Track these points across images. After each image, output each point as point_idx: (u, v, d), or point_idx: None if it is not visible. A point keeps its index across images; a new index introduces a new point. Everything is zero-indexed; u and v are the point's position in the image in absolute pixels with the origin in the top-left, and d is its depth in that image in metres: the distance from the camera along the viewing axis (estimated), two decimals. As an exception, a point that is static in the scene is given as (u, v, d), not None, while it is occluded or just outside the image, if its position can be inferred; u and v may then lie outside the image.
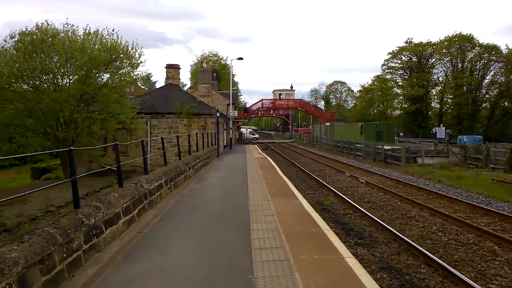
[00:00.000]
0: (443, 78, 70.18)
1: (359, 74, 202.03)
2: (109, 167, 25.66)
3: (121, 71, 23.88)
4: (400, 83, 74.99)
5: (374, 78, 77.02)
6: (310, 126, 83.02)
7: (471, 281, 7.95)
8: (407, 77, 73.22)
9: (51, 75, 23.58)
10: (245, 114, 59.10)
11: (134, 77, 25.13)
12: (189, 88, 76.71)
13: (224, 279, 5.68)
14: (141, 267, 6.25)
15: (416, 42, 70.78)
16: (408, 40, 71.97)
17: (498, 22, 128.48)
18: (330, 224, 11.72)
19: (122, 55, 23.76)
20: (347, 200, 16.67)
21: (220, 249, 6.96)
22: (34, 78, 23.30)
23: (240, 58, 41.60)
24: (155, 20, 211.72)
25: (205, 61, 57.25)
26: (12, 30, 22.65)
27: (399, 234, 11.43)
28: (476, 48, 64.57)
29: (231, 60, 43.49)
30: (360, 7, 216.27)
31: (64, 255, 5.79)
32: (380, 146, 33.44)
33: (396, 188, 20.20)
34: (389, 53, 73.86)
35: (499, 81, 63.79)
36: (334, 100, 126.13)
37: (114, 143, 9.23)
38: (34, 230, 5.60)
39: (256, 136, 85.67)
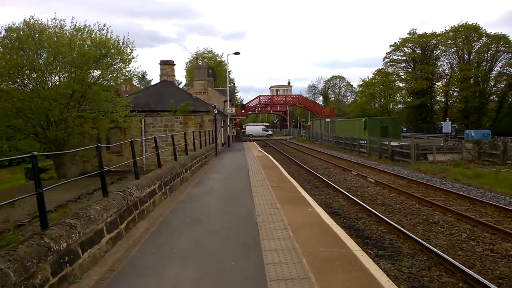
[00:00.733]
0: (448, 70, 68.64)
1: (356, 69, 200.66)
2: (107, 168, 24.24)
3: (112, 68, 22.38)
4: (403, 77, 73.43)
5: (375, 72, 75.57)
6: (309, 122, 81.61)
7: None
8: (410, 70, 71.62)
9: (39, 73, 22.11)
10: (243, 111, 57.62)
11: (127, 74, 23.61)
12: (184, 85, 75.25)
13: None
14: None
15: (420, 33, 69.12)
16: (412, 31, 70.42)
17: (505, 11, 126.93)
18: (350, 236, 10.26)
19: (113, 51, 22.31)
20: (358, 202, 15.27)
21: (226, 278, 5.52)
22: (21, 76, 21.89)
23: (237, 53, 40.07)
24: (150, 19, 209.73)
25: (200, 58, 55.68)
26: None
27: (425, 243, 10.02)
28: (483, 38, 62.91)
29: (227, 55, 41.98)
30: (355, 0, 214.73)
31: (21, 298, 4.35)
32: (387, 142, 32.00)
33: (410, 188, 18.81)
34: (391, 45, 72.43)
35: (508, 72, 62.17)
36: (332, 96, 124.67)
37: (96, 146, 7.73)
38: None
39: (270, 132, 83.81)
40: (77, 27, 22.07)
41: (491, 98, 66.24)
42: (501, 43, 62.24)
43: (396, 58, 73.40)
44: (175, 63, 36.76)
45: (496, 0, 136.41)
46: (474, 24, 63.56)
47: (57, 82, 22.04)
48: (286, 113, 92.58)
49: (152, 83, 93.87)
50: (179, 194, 12.40)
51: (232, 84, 74.88)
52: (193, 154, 17.90)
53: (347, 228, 11.85)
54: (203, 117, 28.95)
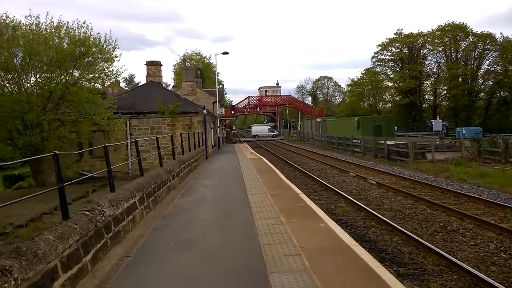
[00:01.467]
0: (436, 69, 68.08)
1: (342, 70, 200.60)
2: (89, 174, 22.63)
3: (94, 67, 20.71)
4: (391, 76, 72.65)
5: (364, 71, 74.69)
6: (299, 123, 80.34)
7: None
8: (398, 69, 70.87)
9: (14, 73, 20.42)
10: (232, 112, 56.14)
11: (110, 74, 21.94)
12: (172, 87, 73.54)
13: None
14: None
15: (407, 33, 68.44)
16: (398, 31, 69.72)
17: (491, 10, 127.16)
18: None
19: (94, 49, 20.67)
20: (364, 208, 13.97)
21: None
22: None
23: (225, 53, 38.67)
24: (138, 22, 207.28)
25: (188, 59, 54.12)
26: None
27: (451, 258, 8.73)
28: (470, 37, 62.44)
29: (216, 54, 40.34)
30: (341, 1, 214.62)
31: None
32: (382, 141, 30.82)
33: (415, 189, 17.58)
34: (378, 45, 71.61)
35: (496, 70, 61.75)
36: (321, 96, 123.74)
37: (52, 153, 6.05)
38: None
39: (276, 133, 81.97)
40: (54, 24, 20.42)
41: (480, 95, 65.78)
42: (488, 41, 61.89)
43: (384, 57, 72.73)
44: (162, 63, 35.20)
45: (478, 2, 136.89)
46: (461, 23, 63.13)
47: (32, 83, 20.29)
48: (276, 114, 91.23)
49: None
50: (165, 206, 10.81)
51: (221, 86, 73.36)
52: (182, 158, 16.42)
53: (356, 239, 10.54)
54: (192, 118, 27.44)
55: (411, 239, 10.42)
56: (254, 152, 32.27)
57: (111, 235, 6.85)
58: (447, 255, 8.95)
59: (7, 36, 19.74)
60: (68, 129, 20.68)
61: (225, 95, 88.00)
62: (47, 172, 21.74)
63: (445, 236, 10.83)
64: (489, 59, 62.30)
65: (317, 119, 60.54)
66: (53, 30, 20.17)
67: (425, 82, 68.94)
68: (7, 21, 20.39)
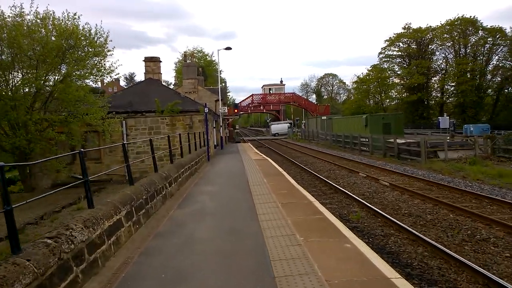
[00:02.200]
0: (444, 65, 66.46)
1: (347, 68, 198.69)
2: (81, 178, 21.33)
3: (84, 62, 19.36)
4: (398, 72, 71.06)
5: (370, 68, 73.17)
6: (304, 121, 79.01)
7: None
8: (406, 65, 69.31)
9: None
10: (236, 110, 54.82)
11: (103, 70, 20.59)
12: (174, 85, 72.34)
13: None
14: None
15: (415, 28, 66.80)
16: (407, 26, 68.05)
17: (502, 4, 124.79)
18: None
19: (84, 42, 19.33)
20: (379, 213, 12.71)
21: None
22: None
23: (228, 48, 37.41)
24: (138, 19, 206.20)
25: (190, 55, 52.84)
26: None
27: (489, 274, 7.47)
28: (480, 31, 60.82)
29: (218, 50, 39.15)
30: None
31: None
32: (392, 140, 29.49)
33: (431, 191, 16.31)
34: (386, 40, 70.00)
35: (505, 65, 60.14)
36: (325, 94, 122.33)
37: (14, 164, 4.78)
38: None
39: (294, 130, 79.49)
40: (40, 16, 18.94)
41: (488, 92, 64.25)
42: (498, 36, 60.23)
43: (391, 53, 71.11)
44: (161, 60, 33.89)
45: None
46: (470, 18, 61.49)
47: (17, 80, 18.90)
48: (280, 112, 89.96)
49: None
50: (159, 220, 9.19)
51: (223, 84, 72.10)
52: (180, 162, 15.03)
53: (377, 250, 9.27)
54: (193, 117, 26.15)
55: (437, 250, 9.16)
56: (258, 152, 30.99)
57: (83, 267, 5.34)
58: (482, 270, 7.72)
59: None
60: (57, 130, 19.39)
61: (228, 93, 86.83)
62: (38, 176, 20.60)
63: (475, 246, 9.56)
64: (499, 54, 60.78)
65: (323, 117, 59.27)
66: (38, 21, 18.75)
67: (433, 79, 67.40)
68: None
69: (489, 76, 61.96)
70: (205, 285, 5.27)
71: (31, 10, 19.36)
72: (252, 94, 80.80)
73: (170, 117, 25.66)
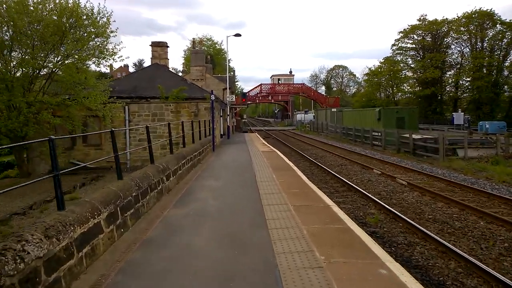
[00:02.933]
0: (459, 59, 64.44)
1: (357, 61, 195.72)
2: (81, 164, 20.27)
3: (84, 43, 18.04)
4: (412, 65, 69.10)
5: (383, 60, 71.23)
6: (312, 113, 77.45)
7: None
8: (419, 58, 67.33)
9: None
10: (243, 100, 53.45)
11: (106, 52, 19.29)
12: (181, 72, 71.04)
13: None
14: None
15: (431, 20, 64.66)
16: (422, 18, 65.86)
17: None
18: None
19: (86, 22, 18.04)
20: (400, 217, 11.42)
21: None
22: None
23: (238, 35, 35.96)
24: (149, 6, 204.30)
25: (198, 42, 51.46)
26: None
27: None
28: (498, 25, 58.63)
29: (227, 36, 37.71)
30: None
31: None
32: (407, 135, 28.04)
33: (454, 193, 14.98)
34: (400, 32, 67.92)
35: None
36: (335, 86, 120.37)
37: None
38: None
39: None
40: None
41: (504, 88, 62.17)
42: (517, 30, 58.01)
43: (405, 45, 69.08)
44: (168, 45, 32.57)
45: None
46: (488, 11, 59.31)
47: (15, 61, 17.69)
48: (288, 103, 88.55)
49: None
50: (150, 221, 7.80)
51: (232, 73, 70.65)
52: (182, 152, 13.62)
53: (402, 262, 7.98)
54: (199, 104, 24.86)
55: (473, 266, 7.90)
56: (265, 143, 29.68)
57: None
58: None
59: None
60: (57, 113, 18.20)
61: (236, 83, 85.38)
62: (36, 160, 19.49)
63: (519, 263, 8.27)
64: (517, 49, 58.60)
65: (333, 109, 57.73)
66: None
67: (448, 73, 65.40)
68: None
69: (506, 72, 59.83)
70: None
71: None
72: (261, 84, 79.32)
73: (175, 104, 24.39)
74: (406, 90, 70.91)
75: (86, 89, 18.87)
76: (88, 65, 19.63)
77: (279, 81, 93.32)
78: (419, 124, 54.41)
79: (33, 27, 16.90)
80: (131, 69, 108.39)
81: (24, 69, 17.39)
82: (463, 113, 54.86)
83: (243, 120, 69.08)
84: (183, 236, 6.79)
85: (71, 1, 18.15)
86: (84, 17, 17.93)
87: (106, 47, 18.92)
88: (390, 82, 70.60)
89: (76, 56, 18.23)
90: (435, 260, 8.51)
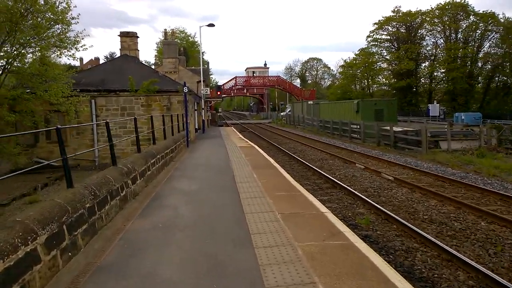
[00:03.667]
0: (433, 50, 64.53)
1: (331, 54, 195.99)
2: (44, 162, 18.60)
3: (42, 30, 16.26)
4: (387, 57, 68.89)
5: (358, 52, 70.81)
6: (288, 105, 76.61)
7: None
8: (394, 50, 67.13)
9: None
10: (218, 92, 51.89)
11: (67, 41, 17.56)
12: (154, 65, 68.86)
13: None
14: None
15: (405, 11, 64.47)
16: (396, 9, 65.65)
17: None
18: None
19: (43, 8, 16.26)
20: (393, 217, 10.42)
21: None
22: None
23: (211, 25, 34.54)
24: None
25: (170, 33, 49.48)
26: None
27: None
28: (471, 17, 58.82)
29: (200, 26, 36.07)
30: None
31: None
32: (388, 127, 27.30)
33: (444, 189, 14.20)
34: (375, 23, 67.56)
35: (496, 53, 58.40)
36: (310, 78, 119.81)
37: None
38: None
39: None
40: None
41: (478, 79, 62.65)
42: (490, 22, 58.31)
43: (380, 37, 68.78)
44: (138, 35, 30.79)
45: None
46: (462, 2, 59.42)
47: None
48: (263, 96, 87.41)
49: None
50: (108, 239, 6.30)
51: (206, 66, 68.89)
52: (151, 150, 12.05)
53: (406, 277, 6.90)
54: (171, 98, 23.35)
55: (486, 278, 6.92)
56: (243, 138, 28.42)
57: None
58: None
59: None
60: (16, 108, 16.47)
61: (211, 76, 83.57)
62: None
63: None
64: (491, 40, 59.03)
65: (309, 102, 56.94)
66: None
67: (422, 64, 65.46)
68: None
69: (480, 63, 60.20)
70: None
71: None
72: (236, 77, 77.86)
73: (145, 97, 22.81)
74: (381, 82, 70.76)
75: (47, 82, 17.15)
76: (48, 56, 17.78)
77: (254, 74, 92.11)
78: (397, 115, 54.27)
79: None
80: (102, 62, 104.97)
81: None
82: (438, 104, 54.95)
83: (218, 114, 67.50)
84: (147, 260, 5.35)
85: None
86: (42, 1, 16.18)
87: (67, 34, 17.19)
88: (365, 74, 70.27)
89: (33, 44, 16.46)
90: (441, 271, 7.50)
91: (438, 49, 63.40)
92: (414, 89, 65.55)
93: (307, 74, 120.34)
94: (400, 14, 64.93)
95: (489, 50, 59.75)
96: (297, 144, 30.92)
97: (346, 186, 14.31)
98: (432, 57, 64.36)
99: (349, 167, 19.22)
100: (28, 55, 17.45)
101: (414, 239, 9.11)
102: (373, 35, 68.40)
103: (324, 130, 41.01)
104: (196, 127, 33.79)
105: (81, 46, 17.75)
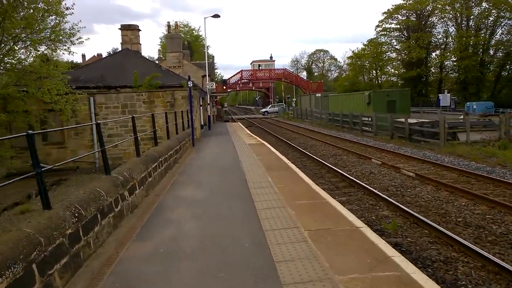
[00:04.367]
0: (444, 39, 62.76)
1: (337, 45, 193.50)
2: (46, 166, 17.66)
3: (34, 22, 15.19)
4: (396, 47, 67.24)
5: (367, 42, 69.22)
6: (294, 99, 75.33)
7: None
8: (404, 39, 65.45)
9: None
10: (224, 87, 50.77)
11: (63, 33, 16.47)
12: (157, 60, 67.82)
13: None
14: None
15: (415, -1, 62.64)
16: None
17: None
18: None
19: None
20: (424, 221, 9.30)
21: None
22: None
23: (216, 15, 33.38)
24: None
25: (174, 26, 48.42)
26: None
27: None
28: (484, 3, 56.95)
29: (205, 18, 34.87)
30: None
31: None
32: (403, 119, 26.09)
33: (471, 185, 13.08)
34: (384, 12, 65.93)
35: (509, 40, 56.48)
36: (316, 70, 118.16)
37: None
38: None
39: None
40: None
41: (489, 67, 60.80)
42: (503, 8, 56.37)
43: (389, 26, 67.04)
44: (140, 28, 29.70)
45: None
46: (474, -13, 57.52)
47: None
48: (269, 90, 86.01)
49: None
50: (97, 273, 5.09)
51: (211, 60, 67.77)
52: (152, 153, 10.69)
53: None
54: (175, 93, 22.27)
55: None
56: (251, 134, 27.27)
57: None
58: None
59: None
60: (7, 108, 15.48)
61: (216, 70, 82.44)
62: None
63: None
64: (503, 27, 57.09)
65: (317, 95, 55.64)
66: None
67: (433, 53, 63.71)
68: None
69: (491, 51, 58.38)
70: None
71: None
72: (241, 70, 76.66)
73: (147, 93, 21.73)
74: (390, 72, 69.15)
75: (41, 79, 16.12)
76: (41, 51, 16.70)
77: (260, 67, 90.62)
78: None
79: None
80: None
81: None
82: (449, 94, 53.52)
83: (224, 109, 66.43)
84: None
85: None
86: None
87: (62, 27, 16.07)
88: (374, 65, 68.73)
89: (24, 37, 15.39)
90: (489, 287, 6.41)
91: (450, 37, 61.67)
92: (424, 79, 63.93)
93: (314, 66, 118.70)
94: (411, 1, 63.12)
95: (501, 37, 57.92)
96: (307, 138, 29.80)
97: (365, 185, 13.22)
98: (443, 46, 62.64)
99: (365, 163, 18.10)
100: (21, 51, 16.39)
101: (452, 247, 8.02)
102: (383, 25, 66.77)
103: (334, 124, 39.82)
104: (202, 123, 32.78)
105: (77, 39, 16.68)
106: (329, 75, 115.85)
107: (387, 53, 68.19)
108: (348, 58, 76.34)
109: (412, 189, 12.87)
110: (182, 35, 55.90)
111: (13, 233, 3.96)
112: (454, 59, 59.54)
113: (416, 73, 59.66)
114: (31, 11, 15.11)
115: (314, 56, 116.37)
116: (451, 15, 59.89)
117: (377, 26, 67.46)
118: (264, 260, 5.27)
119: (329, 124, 40.99)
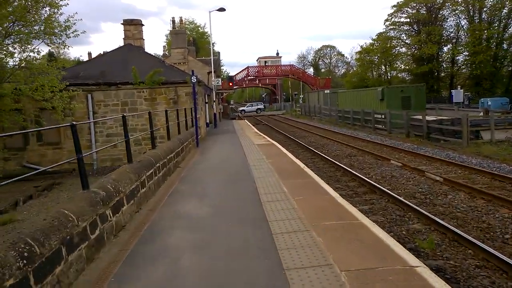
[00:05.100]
0: (455, 33, 60.72)
1: (343, 41, 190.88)
2: (39, 168, 16.52)
3: (27, 15, 13.94)
4: (406, 41, 65.31)
5: (375, 37, 67.38)
6: (301, 96, 73.84)
7: None
8: (414, 33, 63.54)
9: None
10: (230, 84, 49.28)
11: (58, 26, 15.22)
12: (162, 57, 66.60)
13: None
14: None
15: (426, -10, 60.58)
16: (416, -12, 61.68)
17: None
18: None
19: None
20: (467, 239, 7.91)
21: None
22: None
23: (222, 9, 32.12)
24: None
25: (179, 22, 47.04)
26: None
27: None
28: (498, -6, 54.89)
29: (210, 11, 33.45)
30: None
31: None
32: (420, 117, 24.61)
33: (508, 191, 11.70)
34: (393, 6, 63.89)
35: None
36: (323, 66, 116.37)
37: None
38: None
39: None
40: None
41: (503, 62, 58.71)
42: (518, -2, 54.28)
43: (399, 20, 65.06)
44: (143, 23, 28.37)
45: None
46: (486, -22, 55.39)
47: None
48: (276, 86, 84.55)
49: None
50: None
51: (216, 56, 66.37)
52: (148, 159, 9.09)
53: None
54: (178, 90, 20.91)
55: None
56: (259, 133, 25.84)
57: None
58: None
59: None
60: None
61: (222, 67, 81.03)
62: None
63: None
64: (519, 20, 54.88)
65: (325, 91, 54.19)
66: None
67: (445, 48, 61.72)
68: None
69: (505, 45, 56.29)
70: None
71: None
72: (248, 67, 75.26)
73: (149, 90, 20.38)
74: (400, 68, 67.26)
75: (33, 75, 14.86)
76: (31, 43, 15.44)
77: (266, 63, 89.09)
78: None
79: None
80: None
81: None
82: (462, 90, 51.81)
83: (230, 106, 65.09)
84: None
85: None
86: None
87: (56, 19, 14.79)
88: (383, 60, 66.91)
89: (17, 30, 14.12)
90: None
91: (461, 31, 59.68)
92: (436, 74, 62.05)
93: (320, 63, 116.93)
94: (421, -7, 61.04)
95: (514, 30, 55.82)
96: (317, 137, 28.38)
97: (388, 191, 11.81)
98: (454, 40, 60.67)
99: (384, 165, 16.68)
100: (14, 45, 15.15)
101: (505, 274, 6.64)
102: (392, 19, 64.84)
103: (344, 121, 38.41)
104: (207, 121, 31.45)
105: (72, 32, 15.37)
106: (336, 71, 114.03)
107: (396, 48, 66.27)
108: (357, 53, 74.45)
109: (443, 197, 11.46)
110: (188, 32, 54.63)
111: None
112: (467, 53, 57.55)
113: (428, 68, 57.77)
114: (23, 1, 13.80)
115: (321, 52, 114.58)
116: (462, 7, 57.75)
117: (386, 20, 65.58)
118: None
119: (339, 122, 39.61)
